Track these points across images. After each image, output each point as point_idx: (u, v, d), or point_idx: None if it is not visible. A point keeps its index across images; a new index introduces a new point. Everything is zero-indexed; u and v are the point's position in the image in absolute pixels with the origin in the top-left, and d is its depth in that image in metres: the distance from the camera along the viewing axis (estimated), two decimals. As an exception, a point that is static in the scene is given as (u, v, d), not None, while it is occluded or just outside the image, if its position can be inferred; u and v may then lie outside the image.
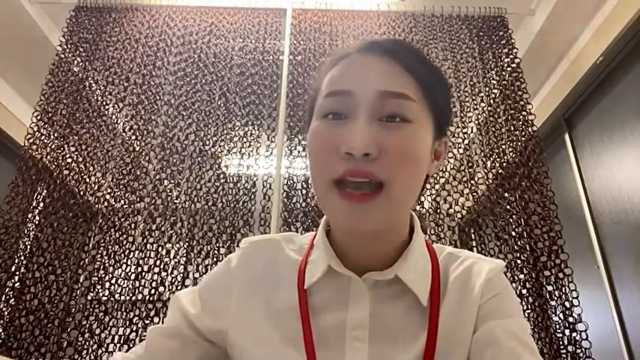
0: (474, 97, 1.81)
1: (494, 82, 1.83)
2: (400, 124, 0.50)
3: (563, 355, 1.39)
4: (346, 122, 0.51)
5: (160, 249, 1.52)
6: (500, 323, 0.52)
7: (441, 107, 0.55)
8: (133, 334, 1.39)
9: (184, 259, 1.53)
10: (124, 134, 1.71)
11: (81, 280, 1.49)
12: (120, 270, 1.50)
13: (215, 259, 1.51)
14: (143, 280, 1.47)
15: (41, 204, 1.60)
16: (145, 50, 1.83)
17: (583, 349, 1.39)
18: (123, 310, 1.42)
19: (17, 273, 1.44)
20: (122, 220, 1.57)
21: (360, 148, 0.48)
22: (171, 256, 1.52)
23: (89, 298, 1.41)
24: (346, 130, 0.50)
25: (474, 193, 1.65)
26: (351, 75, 0.53)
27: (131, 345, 1.38)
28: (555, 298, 1.46)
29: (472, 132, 1.76)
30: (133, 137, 1.70)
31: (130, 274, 1.49)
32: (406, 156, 0.50)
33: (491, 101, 1.80)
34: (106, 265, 1.50)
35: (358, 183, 0.48)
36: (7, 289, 1.43)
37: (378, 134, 0.49)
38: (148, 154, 1.67)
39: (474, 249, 1.65)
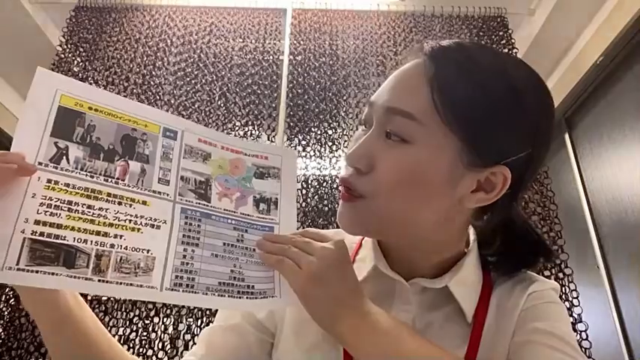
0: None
1: (495, 82, 1.83)
2: (396, 143, 0.48)
3: (563, 355, 1.39)
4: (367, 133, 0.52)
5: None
6: (541, 325, 0.51)
7: (480, 131, 0.47)
8: (133, 334, 1.39)
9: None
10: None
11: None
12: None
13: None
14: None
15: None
16: (145, 50, 1.83)
17: (583, 349, 1.39)
18: (123, 310, 1.42)
19: (17, 273, 1.44)
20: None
21: (350, 161, 0.50)
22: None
23: (89, 298, 1.41)
24: None
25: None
26: (382, 85, 0.53)
27: (131, 345, 1.38)
28: (555, 298, 1.46)
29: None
30: (133, 137, 1.69)
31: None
32: (393, 176, 0.48)
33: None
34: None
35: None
36: (7, 289, 1.43)
37: (377, 150, 0.49)
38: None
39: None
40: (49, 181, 0.44)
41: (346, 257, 0.49)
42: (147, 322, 1.41)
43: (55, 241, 0.42)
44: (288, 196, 0.57)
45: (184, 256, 0.48)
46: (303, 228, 1.55)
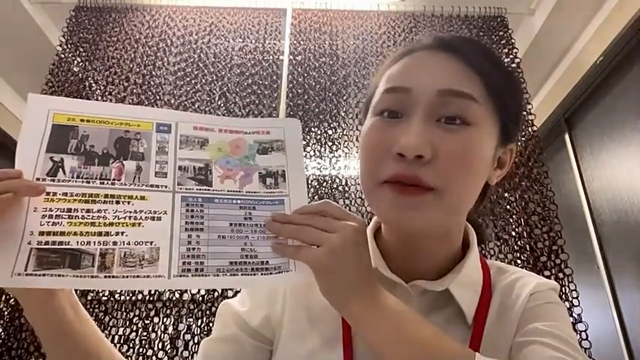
0: (474, 97, 1.81)
1: (495, 82, 1.83)
2: (459, 127, 0.47)
3: (563, 355, 1.39)
4: (401, 122, 0.49)
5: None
6: (541, 325, 0.50)
7: (510, 112, 0.51)
8: (133, 334, 1.39)
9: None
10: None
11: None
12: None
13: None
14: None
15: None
16: (145, 50, 1.83)
17: (583, 349, 1.39)
18: (123, 310, 1.42)
19: (17, 273, 1.44)
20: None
21: (412, 149, 0.46)
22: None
23: (89, 298, 1.41)
24: (400, 130, 0.48)
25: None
26: (411, 72, 0.51)
27: (131, 345, 1.38)
28: (555, 298, 1.46)
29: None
30: (133, 137, 1.70)
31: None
32: (461, 162, 0.47)
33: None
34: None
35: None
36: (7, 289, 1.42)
37: (434, 136, 0.47)
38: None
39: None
40: (47, 193, 0.46)
41: (365, 238, 0.48)
42: (147, 322, 1.41)
43: (59, 247, 0.44)
44: (296, 167, 0.56)
45: (189, 242, 0.48)
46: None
